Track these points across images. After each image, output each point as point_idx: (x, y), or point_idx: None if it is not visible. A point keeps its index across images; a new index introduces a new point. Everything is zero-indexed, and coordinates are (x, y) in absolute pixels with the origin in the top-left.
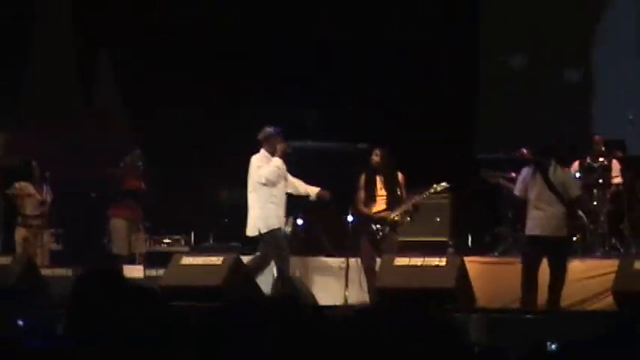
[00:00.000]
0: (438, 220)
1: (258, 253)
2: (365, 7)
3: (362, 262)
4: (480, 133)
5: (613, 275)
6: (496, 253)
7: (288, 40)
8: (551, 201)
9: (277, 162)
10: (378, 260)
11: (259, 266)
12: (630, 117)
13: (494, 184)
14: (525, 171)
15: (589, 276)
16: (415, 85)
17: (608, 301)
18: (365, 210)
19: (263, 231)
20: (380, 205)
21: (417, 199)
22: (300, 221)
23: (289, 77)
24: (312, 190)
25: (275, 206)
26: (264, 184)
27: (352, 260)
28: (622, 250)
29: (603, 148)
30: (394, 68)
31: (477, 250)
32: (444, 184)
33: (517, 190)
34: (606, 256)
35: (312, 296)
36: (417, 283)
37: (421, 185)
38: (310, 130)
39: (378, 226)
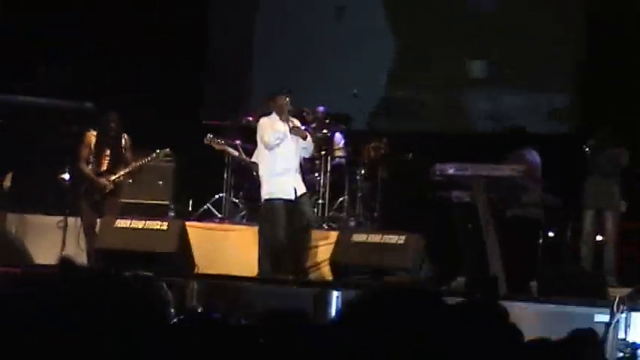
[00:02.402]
0: (161, 183)
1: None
2: None
3: (81, 222)
4: (206, 99)
5: (331, 246)
6: (216, 220)
7: None
8: None
9: (278, 124)
10: (99, 221)
11: (265, 244)
12: (355, 91)
13: (219, 151)
14: None
15: (310, 246)
16: (143, 46)
17: (325, 272)
18: (86, 169)
19: (262, 199)
20: (103, 165)
21: (139, 163)
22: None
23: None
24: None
25: (280, 176)
26: (266, 149)
27: (71, 219)
28: (340, 223)
29: (327, 121)
30: (122, 25)
31: (198, 215)
32: (166, 150)
33: None
34: (325, 227)
35: (29, 255)
36: (138, 246)
37: (146, 148)
38: (38, 85)
39: (100, 186)
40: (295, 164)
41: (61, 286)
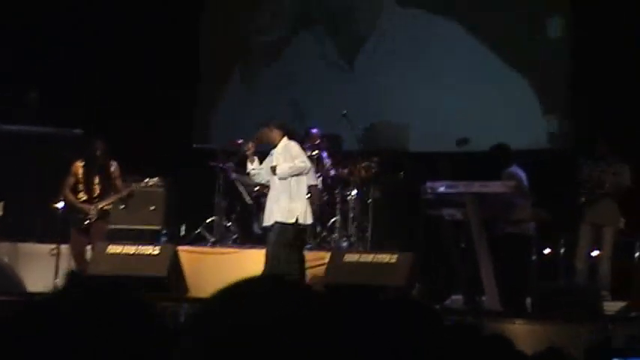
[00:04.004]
0: (152, 208)
1: None
2: None
3: (71, 249)
4: (197, 123)
5: (324, 267)
6: (209, 244)
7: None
8: None
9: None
10: (90, 248)
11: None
12: (344, 112)
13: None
14: None
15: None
16: (133, 71)
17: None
18: (71, 197)
19: None
20: (91, 193)
21: (127, 190)
22: None
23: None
24: None
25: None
26: None
27: (63, 247)
28: (332, 244)
29: (318, 142)
30: (113, 51)
31: (191, 239)
32: (155, 179)
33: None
34: (317, 247)
35: (22, 283)
36: (129, 270)
37: (138, 174)
38: (30, 112)
39: (85, 214)
40: (274, 192)
41: (70, 300)
